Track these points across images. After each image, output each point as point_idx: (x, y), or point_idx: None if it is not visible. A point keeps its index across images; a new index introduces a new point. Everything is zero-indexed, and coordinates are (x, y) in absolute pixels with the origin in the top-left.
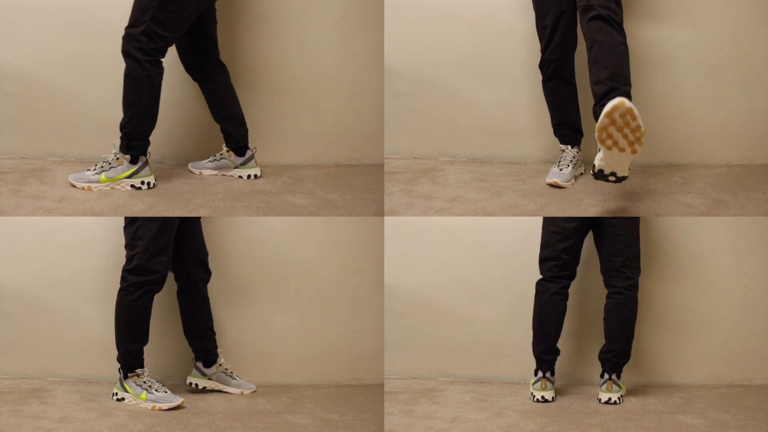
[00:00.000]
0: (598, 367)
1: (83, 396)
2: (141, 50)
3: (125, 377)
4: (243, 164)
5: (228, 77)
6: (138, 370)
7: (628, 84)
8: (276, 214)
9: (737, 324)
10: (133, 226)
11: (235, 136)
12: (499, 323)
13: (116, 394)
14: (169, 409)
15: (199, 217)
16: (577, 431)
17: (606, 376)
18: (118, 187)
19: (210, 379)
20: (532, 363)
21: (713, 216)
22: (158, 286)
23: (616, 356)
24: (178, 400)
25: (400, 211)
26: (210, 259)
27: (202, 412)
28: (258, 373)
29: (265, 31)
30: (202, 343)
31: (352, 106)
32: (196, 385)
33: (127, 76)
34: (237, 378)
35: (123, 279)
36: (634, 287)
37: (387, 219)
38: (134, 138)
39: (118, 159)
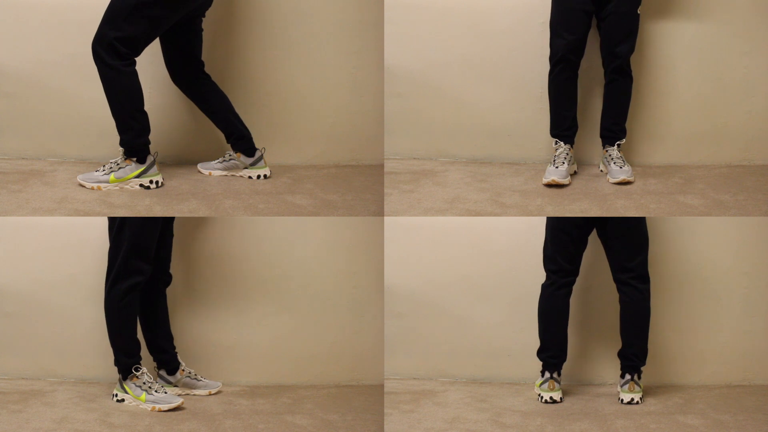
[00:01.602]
0: (598, 368)
1: (83, 396)
2: (108, 53)
3: (124, 378)
4: (253, 164)
5: (215, 84)
6: (137, 371)
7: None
8: (276, 215)
9: (737, 324)
10: (114, 228)
11: (247, 136)
12: (499, 324)
13: (116, 395)
14: (169, 410)
15: (173, 219)
16: None
17: (627, 376)
18: (127, 186)
19: (176, 386)
20: (532, 363)
21: (713, 216)
22: (142, 283)
23: (633, 356)
24: (178, 400)
25: (400, 211)
26: (210, 259)
27: (202, 412)
28: (258, 373)
29: (264, 32)
30: (165, 348)
31: (352, 106)
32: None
33: (103, 80)
34: (202, 379)
35: (110, 282)
36: (646, 280)
37: (387, 219)
38: (135, 143)
39: (125, 159)
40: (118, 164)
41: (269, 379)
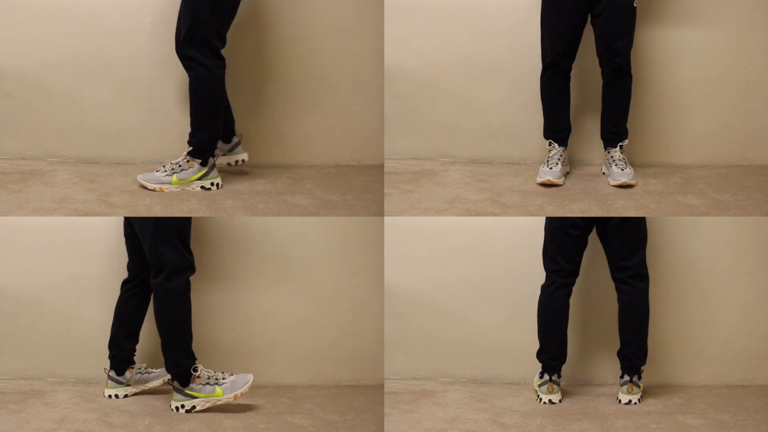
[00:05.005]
0: (598, 368)
1: (83, 397)
2: (204, 53)
3: (185, 384)
4: (230, 150)
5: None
6: (195, 371)
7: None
8: (276, 215)
9: (737, 324)
10: (150, 223)
11: (227, 120)
12: (498, 324)
13: (182, 406)
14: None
15: None
16: None
17: (626, 377)
18: (188, 188)
19: (128, 385)
20: (532, 363)
21: (713, 216)
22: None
23: (632, 355)
24: (249, 376)
25: (400, 211)
26: (209, 260)
27: (202, 411)
28: (258, 373)
29: (264, 32)
30: (125, 346)
31: (352, 106)
32: (116, 395)
33: (195, 81)
34: (153, 370)
35: (163, 276)
36: (645, 278)
37: (387, 219)
38: (206, 145)
39: (188, 162)
40: (180, 166)
41: (269, 378)
